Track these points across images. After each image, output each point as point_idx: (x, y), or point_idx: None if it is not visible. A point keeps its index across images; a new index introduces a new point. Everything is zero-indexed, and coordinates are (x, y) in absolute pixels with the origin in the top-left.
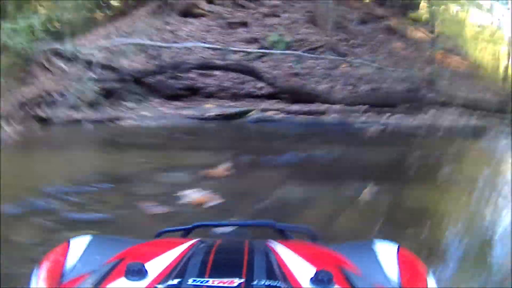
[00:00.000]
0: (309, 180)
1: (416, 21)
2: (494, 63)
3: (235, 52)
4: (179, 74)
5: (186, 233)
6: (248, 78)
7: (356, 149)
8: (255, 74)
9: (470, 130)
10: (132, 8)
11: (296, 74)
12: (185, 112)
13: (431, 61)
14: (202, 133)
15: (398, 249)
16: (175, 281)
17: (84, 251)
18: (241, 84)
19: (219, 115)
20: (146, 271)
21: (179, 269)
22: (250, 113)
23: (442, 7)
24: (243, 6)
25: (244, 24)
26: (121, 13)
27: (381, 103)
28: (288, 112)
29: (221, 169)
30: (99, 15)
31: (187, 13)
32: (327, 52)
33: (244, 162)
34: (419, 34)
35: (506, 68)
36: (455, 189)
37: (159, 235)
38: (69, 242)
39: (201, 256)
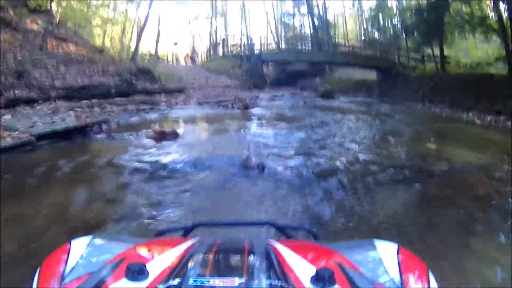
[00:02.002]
0: None
1: (37, 11)
2: (121, 45)
3: None
4: None
5: (186, 233)
6: None
7: None
8: None
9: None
10: None
11: None
12: None
13: (40, 51)
14: None
15: (398, 248)
16: (176, 281)
17: (85, 252)
18: None
19: None
20: (147, 271)
21: (179, 269)
22: None
23: None
24: None
25: None
26: None
27: None
28: None
29: None
30: None
31: None
32: None
33: None
34: (35, 24)
35: (136, 48)
36: None
37: (159, 234)
38: (70, 243)
39: (202, 256)
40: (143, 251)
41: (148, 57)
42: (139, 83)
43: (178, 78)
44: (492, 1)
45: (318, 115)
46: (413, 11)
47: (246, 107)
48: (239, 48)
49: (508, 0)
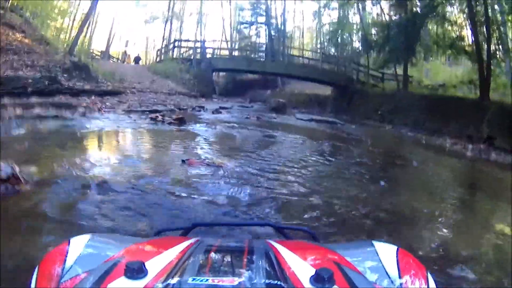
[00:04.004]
0: None
1: None
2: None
3: None
4: None
5: (185, 232)
6: None
7: None
8: None
9: None
10: None
11: None
12: None
13: None
14: None
15: (397, 250)
16: (175, 280)
17: (84, 250)
18: None
19: None
20: (146, 269)
21: (179, 268)
22: None
23: None
24: None
25: None
26: None
27: None
28: None
29: None
30: None
31: None
32: None
33: None
34: None
35: (75, 41)
36: None
37: (158, 233)
38: (69, 241)
39: (201, 255)
40: (142, 250)
41: (99, 55)
42: (69, 81)
43: (120, 79)
44: (470, 25)
45: (279, 141)
46: (384, 26)
47: (181, 122)
48: (190, 51)
49: (488, 25)
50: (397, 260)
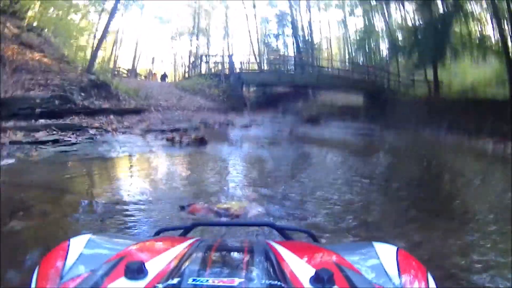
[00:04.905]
0: None
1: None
2: (83, 55)
3: None
4: None
5: (185, 232)
6: None
7: None
8: None
9: None
10: None
11: None
12: None
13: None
14: None
15: (397, 250)
16: (175, 281)
17: (84, 250)
18: None
19: None
20: (146, 270)
21: (179, 268)
22: None
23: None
24: None
25: None
26: None
27: None
28: None
29: None
30: None
31: None
32: None
33: None
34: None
35: (93, 57)
36: None
37: (158, 233)
38: (69, 241)
39: (201, 255)
40: (142, 250)
41: (126, 73)
42: (86, 100)
43: (145, 96)
44: (493, 23)
45: (314, 162)
46: (411, 30)
47: (201, 143)
48: (218, 67)
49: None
50: (397, 261)
